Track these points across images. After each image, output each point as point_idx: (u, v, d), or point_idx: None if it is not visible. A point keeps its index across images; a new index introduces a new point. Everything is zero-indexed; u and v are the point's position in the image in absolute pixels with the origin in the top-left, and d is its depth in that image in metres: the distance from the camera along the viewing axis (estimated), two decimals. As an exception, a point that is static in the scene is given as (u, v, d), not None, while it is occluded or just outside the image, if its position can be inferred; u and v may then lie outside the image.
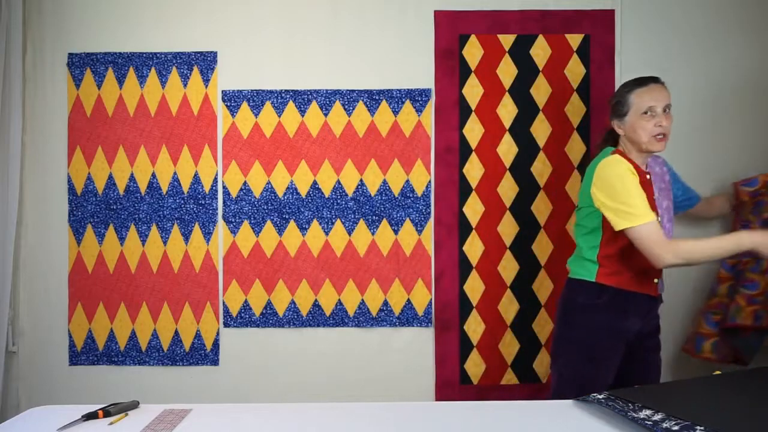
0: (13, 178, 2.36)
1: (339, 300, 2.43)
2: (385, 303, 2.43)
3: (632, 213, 1.72)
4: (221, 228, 2.43)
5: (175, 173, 2.43)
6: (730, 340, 2.11)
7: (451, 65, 2.41)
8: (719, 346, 2.14)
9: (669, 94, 1.86)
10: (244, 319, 2.43)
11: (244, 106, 2.42)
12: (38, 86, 2.43)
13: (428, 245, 2.43)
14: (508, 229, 2.42)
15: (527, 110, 2.41)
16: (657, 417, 1.29)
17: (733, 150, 2.41)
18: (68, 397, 2.39)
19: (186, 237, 2.43)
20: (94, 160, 2.43)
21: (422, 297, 2.43)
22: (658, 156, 1.98)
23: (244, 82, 2.42)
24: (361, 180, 2.42)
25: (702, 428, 1.20)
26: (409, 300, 2.43)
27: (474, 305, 2.43)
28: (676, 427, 1.22)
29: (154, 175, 2.43)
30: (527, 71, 2.41)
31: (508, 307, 2.43)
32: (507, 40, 2.41)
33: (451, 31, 2.41)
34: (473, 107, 2.42)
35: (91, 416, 1.41)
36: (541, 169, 2.42)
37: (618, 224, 1.75)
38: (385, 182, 2.42)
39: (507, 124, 2.42)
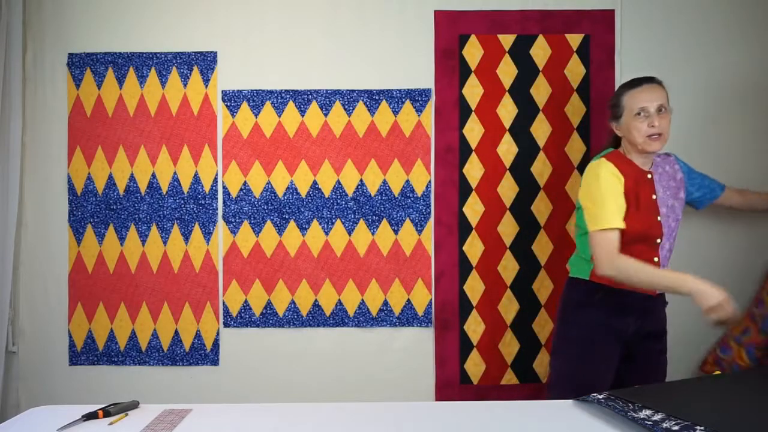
0: (13, 178, 2.36)
1: (339, 300, 2.43)
2: (385, 303, 2.43)
3: (597, 216, 1.78)
4: (221, 228, 2.43)
5: (175, 173, 2.43)
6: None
7: (451, 65, 2.41)
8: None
9: (664, 93, 1.85)
10: (244, 319, 2.43)
11: (244, 106, 2.42)
12: (38, 86, 2.42)
13: (428, 245, 2.43)
14: (508, 229, 2.42)
15: (527, 110, 2.41)
16: (657, 417, 1.29)
17: (732, 150, 2.41)
18: (68, 397, 2.39)
19: (186, 237, 2.43)
20: (94, 161, 2.43)
21: (422, 297, 2.43)
22: (669, 154, 1.97)
23: (244, 82, 2.42)
24: (361, 180, 2.42)
25: (702, 428, 1.20)
26: (409, 300, 2.43)
27: (474, 305, 2.43)
28: (676, 427, 1.22)
29: (154, 175, 2.43)
30: (527, 71, 2.41)
31: (508, 307, 2.43)
32: (507, 40, 2.41)
33: (451, 31, 2.41)
34: (473, 107, 2.42)
35: (91, 416, 1.41)
36: (541, 169, 2.42)
37: (587, 225, 1.83)
38: (385, 182, 2.42)
39: (507, 124, 2.42)
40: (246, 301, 2.42)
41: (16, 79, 2.36)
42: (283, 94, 2.42)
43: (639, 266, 1.74)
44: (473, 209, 2.42)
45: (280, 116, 2.42)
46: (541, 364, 2.42)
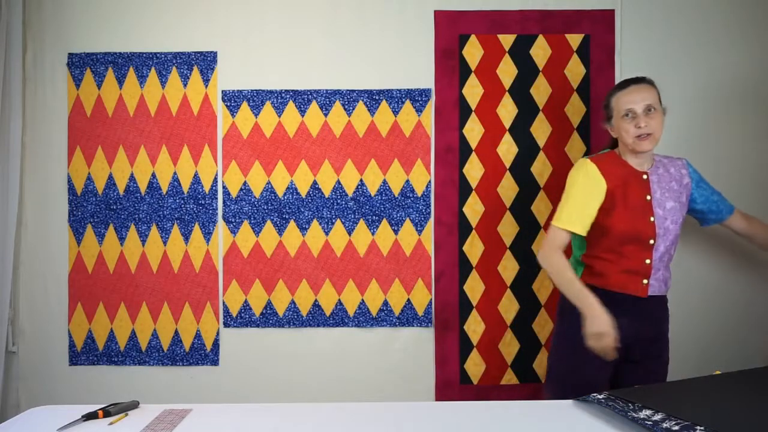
0: (13, 178, 2.36)
1: (339, 300, 2.43)
2: (385, 303, 2.43)
3: (560, 213, 1.88)
4: (221, 228, 2.43)
5: (175, 173, 2.43)
6: None
7: (451, 65, 2.41)
8: None
9: (653, 93, 1.83)
10: (244, 319, 2.43)
11: (244, 106, 2.42)
12: (38, 86, 2.43)
13: (428, 245, 2.43)
14: (508, 229, 2.42)
15: (527, 110, 2.42)
16: (657, 417, 1.29)
17: (732, 149, 2.41)
18: (68, 397, 2.39)
19: (186, 237, 2.43)
20: (94, 160, 2.43)
21: (422, 297, 2.43)
22: (678, 159, 1.94)
23: (244, 82, 2.42)
24: (361, 180, 2.42)
25: (702, 428, 1.20)
26: (409, 300, 2.43)
27: (474, 305, 2.43)
28: (676, 427, 1.22)
29: (154, 175, 2.43)
30: (527, 71, 2.41)
31: (508, 307, 2.43)
32: (507, 40, 2.41)
33: (451, 31, 2.41)
34: (473, 107, 2.42)
35: (91, 416, 1.41)
36: (541, 169, 2.42)
37: None
38: (385, 182, 2.42)
39: (507, 124, 2.42)
40: (246, 301, 2.42)
41: (16, 79, 2.36)
42: (283, 94, 2.42)
43: (563, 271, 1.83)
44: (473, 209, 2.42)
45: (280, 116, 2.42)
46: (541, 364, 2.42)
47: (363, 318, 2.43)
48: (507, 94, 2.42)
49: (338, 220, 2.42)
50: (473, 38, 2.41)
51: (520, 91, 2.41)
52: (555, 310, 2.09)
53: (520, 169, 2.42)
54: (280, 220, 2.42)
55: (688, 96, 2.40)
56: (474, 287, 2.43)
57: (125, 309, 2.43)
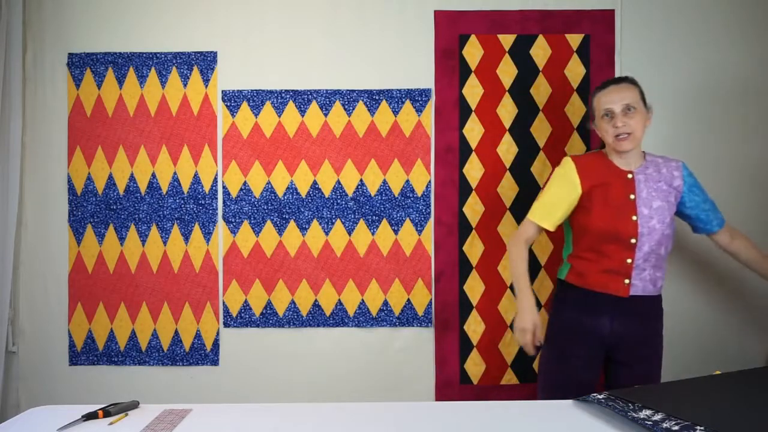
0: (13, 178, 2.36)
1: (339, 300, 2.43)
2: (385, 303, 2.43)
3: (534, 206, 1.95)
4: (221, 228, 2.43)
5: (175, 173, 2.43)
6: None
7: (451, 65, 2.41)
8: None
9: (633, 92, 1.82)
10: (244, 319, 2.43)
11: (244, 106, 2.42)
12: (38, 86, 2.43)
13: (428, 245, 2.43)
14: (508, 229, 2.42)
15: (527, 110, 2.42)
16: (657, 417, 1.29)
17: (732, 149, 2.41)
18: (68, 397, 2.39)
19: (186, 237, 2.43)
20: (94, 160, 2.43)
21: (422, 297, 2.43)
22: (674, 160, 1.90)
23: (244, 82, 2.42)
24: (361, 180, 2.42)
25: (702, 428, 1.20)
26: (409, 300, 2.43)
27: (474, 305, 2.43)
28: (676, 427, 1.22)
29: (154, 175, 2.43)
30: (527, 71, 2.41)
31: (508, 307, 2.43)
32: (507, 40, 2.41)
33: (451, 31, 2.41)
34: (473, 107, 2.42)
35: (91, 416, 1.41)
36: (541, 169, 2.42)
37: None
38: (385, 182, 2.42)
39: (507, 124, 2.42)
40: (246, 301, 2.42)
41: (16, 79, 2.36)
42: (283, 94, 2.42)
43: (516, 263, 1.92)
44: (473, 209, 2.42)
45: (280, 116, 2.42)
46: (541, 364, 2.42)
47: (363, 318, 2.43)
48: (507, 94, 2.42)
49: (338, 220, 2.42)
50: (473, 38, 2.41)
51: (520, 91, 2.41)
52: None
53: (520, 169, 2.42)
54: (280, 220, 2.42)
55: (688, 96, 2.40)
56: (474, 287, 2.43)
57: (125, 309, 2.43)
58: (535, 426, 1.37)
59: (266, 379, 2.42)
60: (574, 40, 2.41)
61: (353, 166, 2.42)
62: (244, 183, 2.42)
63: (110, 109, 2.43)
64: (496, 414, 1.45)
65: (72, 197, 2.43)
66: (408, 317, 2.43)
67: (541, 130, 2.42)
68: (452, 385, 2.42)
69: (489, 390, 2.42)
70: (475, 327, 2.42)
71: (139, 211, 2.43)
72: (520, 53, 2.41)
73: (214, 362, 2.43)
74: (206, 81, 2.42)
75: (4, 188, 2.35)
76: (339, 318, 2.43)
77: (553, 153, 2.42)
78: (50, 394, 2.41)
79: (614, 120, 1.81)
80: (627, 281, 1.83)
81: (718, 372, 1.68)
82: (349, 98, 2.42)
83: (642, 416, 1.31)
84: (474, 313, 2.43)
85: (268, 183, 2.42)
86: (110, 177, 2.43)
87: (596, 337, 1.87)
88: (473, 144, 2.42)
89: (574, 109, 2.42)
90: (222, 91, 2.42)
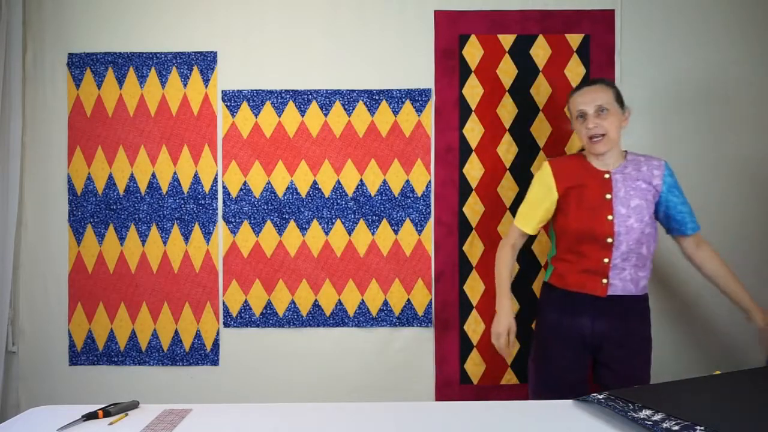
0: (13, 178, 2.36)
1: (339, 300, 2.43)
2: (385, 303, 2.43)
3: (518, 212, 2.01)
4: (221, 228, 2.43)
5: (175, 173, 2.43)
6: None
7: (451, 65, 2.41)
8: None
9: (607, 93, 1.83)
10: (244, 319, 2.43)
11: (244, 106, 2.42)
12: (38, 86, 2.43)
13: (428, 245, 2.43)
14: (508, 229, 2.42)
15: (527, 110, 2.42)
16: (657, 417, 1.29)
17: (732, 150, 2.41)
18: (68, 397, 2.39)
19: (186, 237, 2.43)
20: (94, 160, 2.43)
21: (422, 297, 2.43)
22: (657, 159, 1.88)
23: (244, 82, 2.42)
24: (361, 180, 2.42)
25: (702, 428, 1.20)
26: (409, 300, 2.43)
27: (474, 305, 2.43)
28: (676, 427, 1.22)
29: (154, 175, 2.43)
30: (527, 71, 2.41)
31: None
32: (507, 40, 2.41)
33: (451, 31, 2.41)
34: (473, 107, 2.42)
35: (91, 416, 1.41)
36: (541, 169, 2.42)
37: None
38: (385, 182, 2.42)
39: (507, 124, 2.42)
40: (246, 301, 2.42)
41: (16, 79, 2.36)
42: (283, 94, 2.42)
43: (500, 266, 1.98)
44: (473, 209, 2.42)
45: (280, 116, 2.42)
46: (541, 364, 2.42)
47: (363, 318, 2.43)
48: (507, 94, 2.42)
49: (338, 220, 2.42)
50: (473, 38, 2.41)
51: (520, 91, 2.41)
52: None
53: (520, 169, 2.42)
54: (280, 220, 2.42)
55: (688, 96, 2.40)
56: (474, 287, 2.43)
57: (125, 309, 2.43)
58: (535, 426, 1.37)
59: (266, 379, 2.42)
60: (574, 40, 2.41)
61: (353, 166, 2.42)
62: (244, 183, 2.42)
63: (110, 109, 2.43)
64: (496, 414, 1.45)
65: (72, 197, 2.43)
66: (408, 317, 2.43)
67: (541, 130, 2.42)
68: (452, 385, 2.42)
69: (489, 390, 2.42)
70: (475, 327, 2.42)
71: (139, 211, 2.43)
72: (520, 53, 2.41)
73: (214, 362, 2.43)
74: (206, 81, 2.42)
75: (4, 188, 2.35)
76: (339, 318, 2.43)
77: (553, 153, 2.42)
78: (50, 394, 2.41)
79: (587, 121, 1.83)
80: (605, 281, 1.83)
81: (718, 372, 1.67)
82: (349, 98, 2.42)
83: (642, 416, 1.31)
84: (474, 313, 2.43)
85: (268, 183, 2.42)
86: (110, 177, 2.43)
87: (578, 338, 1.88)
88: (473, 144, 2.42)
89: (574, 109, 2.42)
90: (222, 91, 2.42)
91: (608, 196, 1.83)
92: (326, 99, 2.42)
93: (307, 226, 2.42)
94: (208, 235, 2.43)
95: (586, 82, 1.89)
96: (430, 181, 2.43)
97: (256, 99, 2.42)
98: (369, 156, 2.42)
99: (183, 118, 2.42)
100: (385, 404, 1.56)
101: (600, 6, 2.41)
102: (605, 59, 2.41)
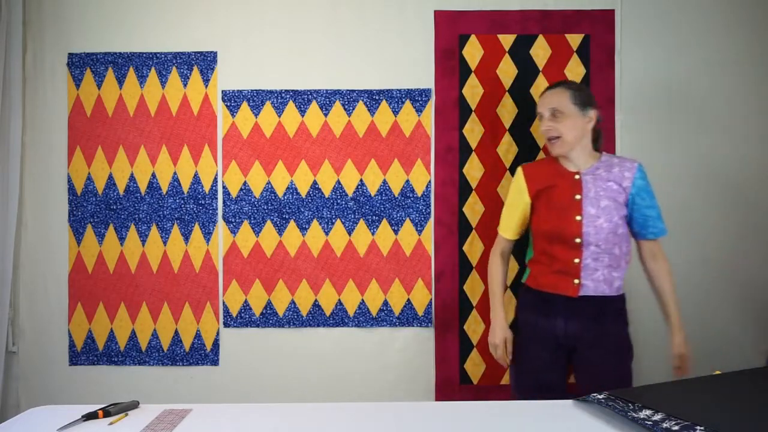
0: (13, 178, 2.36)
1: (339, 300, 2.43)
2: (385, 303, 2.43)
3: (500, 220, 2.05)
4: (221, 228, 2.43)
5: (175, 173, 2.43)
6: None
7: (451, 65, 2.41)
8: None
9: (562, 96, 1.85)
10: (244, 319, 2.43)
11: (244, 106, 2.42)
12: (38, 86, 2.43)
13: (428, 245, 2.43)
14: (508, 229, 2.42)
15: (527, 110, 2.41)
16: (657, 417, 1.29)
17: (732, 150, 2.41)
18: (68, 397, 2.39)
19: (186, 237, 2.43)
20: (94, 160, 2.43)
21: (422, 297, 2.43)
22: (631, 161, 1.86)
23: (244, 82, 2.42)
24: (361, 180, 2.42)
25: (702, 428, 1.20)
26: (409, 300, 2.43)
27: (474, 305, 2.43)
28: (676, 427, 1.22)
29: (154, 175, 2.43)
30: (527, 71, 2.41)
31: (508, 307, 2.42)
32: (507, 40, 2.41)
33: (451, 31, 2.41)
34: (473, 107, 2.42)
35: (91, 416, 1.41)
36: (541, 169, 2.42)
37: None
38: (385, 182, 2.42)
39: (507, 124, 2.42)
40: (246, 301, 2.42)
41: (16, 79, 2.36)
42: (283, 94, 2.42)
43: (494, 275, 2.02)
44: (473, 209, 2.42)
45: (280, 116, 2.42)
46: (541, 364, 2.42)
47: (363, 318, 2.43)
48: (507, 94, 2.42)
49: (338, 220, 2.42)
50: (473, 38, 2.41)
51: (520, 91, 2.41)
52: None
53: (520, 169, 2.42)
54: (280, 220, 2.42)
55: (688, 95, 2.40)
56: (474, 287, 2.43)
57: (125, 309, 2.43)
58: (535, 426, 1.37)
59: (266, 379, 2.42)
60: (574, 40, 2.41)
61: (353, 166, 2.42)
62: (244, 183, 2.42)
63: (110, 109, 2.43)
64: (496, 414, 1.45)
65: (72, 197, 2.43)
66: (408, 317, 2.43)
67: (541, 130, 2.42)
68: (452, 385, 2.42)
69: (489, 390, 2.42)
70: (475, 327, 2.42)
71: (139, 211, 2.43)
72: (520, 53, 2.41)
73: (214, 362, 2.43)
74: (206, 81, 2.42)
75: (4, 188, 2.35)
76: (339, 318, 2.43)
77: (553, 153, 2.42)
78: (50, 394, 2.41)
79: (542, 123, 1.88)
80: (576, 281, 1.83)
81: (718, 372, 1.67)
82: (349, 98, 2.42)
83: (642, 416, 1.31)
84: (474, 313, 2.43)
85: (268, 183, 2.42)
86: (110, 177, 2.43)
87: (552, 338, 1.88)
88: (473, 144, 2.42)
89: (574, 109, 2.41)
90: (222, 91, 2.42)
91: (578, 197, 1.84)
92: (326, 99, 2.42)
93: (307, 226, 2.42)
94: (208, 235, 2.43)
95: (549, 86, 1.93)
96: (430, 181, 2.43)
97: (256, 99, 2.42)
98: (369, 156, 2.42)
99: (183, 118, 2.42)
100: (385, 404, 1.56)
101: (600, 6, 2.41)
102: (605, 59, 2.41)
